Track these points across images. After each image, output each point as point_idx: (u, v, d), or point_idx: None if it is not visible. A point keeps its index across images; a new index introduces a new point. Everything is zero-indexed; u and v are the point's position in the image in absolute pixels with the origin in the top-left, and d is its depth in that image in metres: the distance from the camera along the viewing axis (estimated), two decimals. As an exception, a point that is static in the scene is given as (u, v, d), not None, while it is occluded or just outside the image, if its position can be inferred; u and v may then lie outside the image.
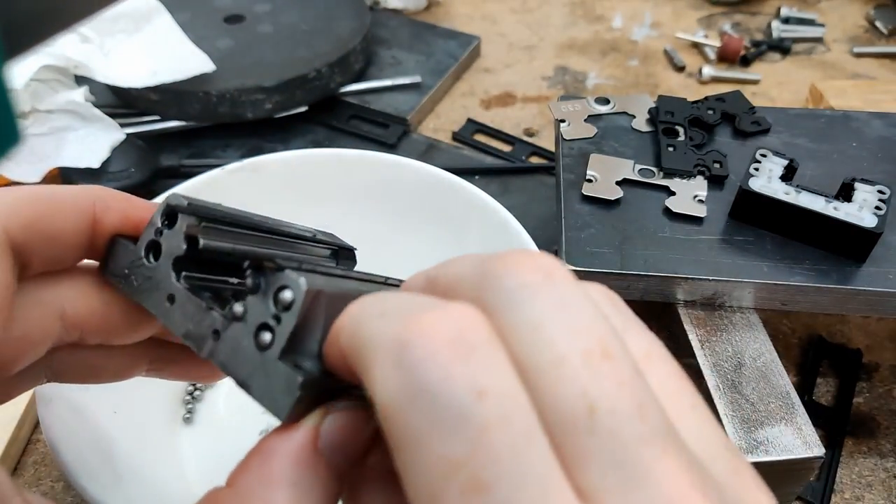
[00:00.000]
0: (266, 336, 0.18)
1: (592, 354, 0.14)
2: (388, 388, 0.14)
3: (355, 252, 0.26)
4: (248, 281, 0.18)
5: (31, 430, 0.43)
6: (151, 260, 0.21)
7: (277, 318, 0.18)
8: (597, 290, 0.17)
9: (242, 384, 0.18)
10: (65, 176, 0.56)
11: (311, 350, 0.18)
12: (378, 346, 0.14)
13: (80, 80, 0.59)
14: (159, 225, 0.21)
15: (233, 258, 0.20)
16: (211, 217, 0.21)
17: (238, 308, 0.18)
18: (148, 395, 0.39)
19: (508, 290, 0.15)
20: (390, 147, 0.63)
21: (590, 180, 0.44)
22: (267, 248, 0.22)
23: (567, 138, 0.47)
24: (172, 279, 0.20)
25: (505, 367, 0.14)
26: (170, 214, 0.21)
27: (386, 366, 0.14)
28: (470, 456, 0.13)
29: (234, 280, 0.20)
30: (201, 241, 0.20)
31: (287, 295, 0.17)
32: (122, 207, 0.23)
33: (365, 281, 0.20)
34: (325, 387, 0.18)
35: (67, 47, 0.58)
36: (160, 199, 0.22)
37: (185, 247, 0.21)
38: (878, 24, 0.79)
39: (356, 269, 0.24)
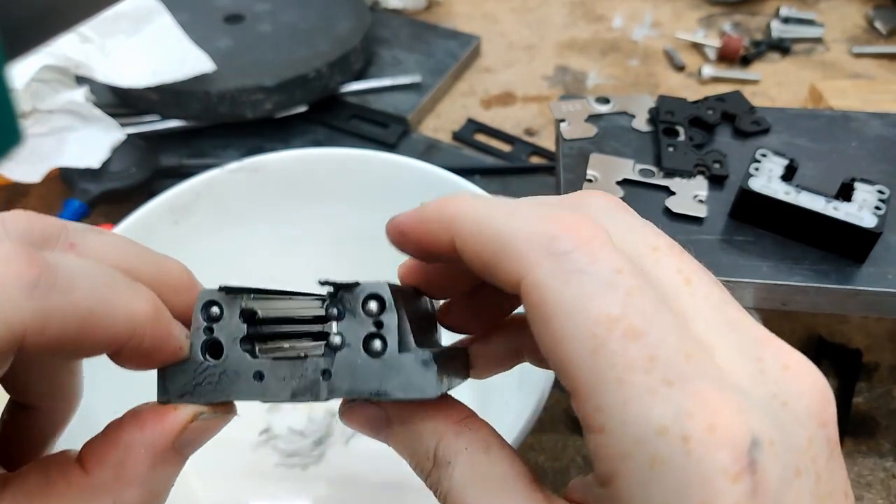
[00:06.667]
0: (376, 344, 0.19)
1: (670, 246, 0.20)
2: (542, 271, 0.17)
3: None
4: (334, 310, 0.20)
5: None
6: (211, 358, 0.21)
7: (378, 324, 0.19)
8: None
9: (378, 394, 0.19)
10: (65, 176, 0.56)
11: (408, 336, 0.20)
12: (526, 240, 0.17)
13: (81, 80, 0.59)
14: (205, 323, 0.21)
15: (287, 315, 0.21)
16: (244, 292, 0.21)
17: (336, 339, 0.19)
18: (150, 397, 0.39)
19: (600, 208, 0.20)
20: (390, 147, 0.63)
21: (590, 180, 0.44)
22: (301, 297, 0.22)
23: (567, 138, 0.47)
24: (249, 359, 0.20)
25: (621, 252, 0.18)
26: (208, 308, 0.21)
27: (538, 254, 0.17)
28: (623, 311, 0.16)
29: (309, 326, 0.21)
30: (260, 312, 0.21)
31: (373, 304, 0.19)
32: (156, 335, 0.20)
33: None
34: (442, 354, 0.19)
35: (68, 47, 0.58)
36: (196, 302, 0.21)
37: (245, 325, 0.21)
38: (877, 24, 0.79)
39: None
